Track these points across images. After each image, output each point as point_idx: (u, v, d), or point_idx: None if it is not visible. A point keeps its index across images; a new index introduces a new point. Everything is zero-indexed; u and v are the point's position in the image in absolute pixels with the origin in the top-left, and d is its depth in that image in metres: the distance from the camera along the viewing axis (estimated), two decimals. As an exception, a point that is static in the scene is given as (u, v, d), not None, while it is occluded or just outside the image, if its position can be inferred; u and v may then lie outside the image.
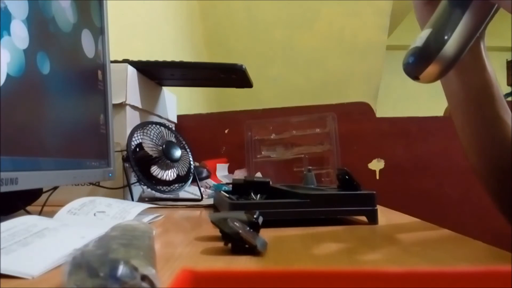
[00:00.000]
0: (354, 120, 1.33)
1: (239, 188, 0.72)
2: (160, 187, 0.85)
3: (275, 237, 0.48)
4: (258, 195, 0.70)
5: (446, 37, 0.34)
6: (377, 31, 2.72)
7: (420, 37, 0.35)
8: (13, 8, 0.49)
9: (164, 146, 0.86)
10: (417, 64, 0.34)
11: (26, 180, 0.49)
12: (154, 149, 0.85)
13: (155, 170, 0.84)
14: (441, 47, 0.33)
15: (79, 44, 0.67)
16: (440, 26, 0.35)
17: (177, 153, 0.87)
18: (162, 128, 0.90)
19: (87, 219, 0.53)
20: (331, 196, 0.60)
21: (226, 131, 1.38)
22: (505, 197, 0.55)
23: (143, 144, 0.84)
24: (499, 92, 0.52)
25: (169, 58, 1.05)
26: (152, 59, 0.99)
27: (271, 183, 0.72)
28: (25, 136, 0.51)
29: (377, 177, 1.31)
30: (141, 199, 0.91)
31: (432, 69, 0.34)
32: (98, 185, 0.80)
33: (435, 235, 0.51)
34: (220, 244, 0.41)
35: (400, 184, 1.29)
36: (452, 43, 0.34)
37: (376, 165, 1.31)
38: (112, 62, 0.80)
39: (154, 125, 0.89)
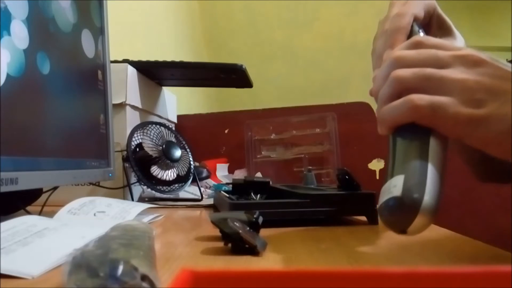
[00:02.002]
0: (354, 120, 1.33)
1: (239, 188, 0.72)
2: (160, 187, 0.85)
3: (275, 237, 0.48)
4: (258, 195, 0.70)
5: (423, 183, 0.30)
6: (377, 31, 2.71)
7: (394, 185, 0.31)
8: (13, 8, 0.49)
9: (164, 146, 0.86)
10: (401, 218, 0.30)
11: (26, 180, 0.49)
12: (154, 149, 0.85)
13: (155, 170, 0.84)
14: (422, 196, 0.30)
15: (79, 44, 0.67)
16: (412, 170, 0.31)
17: (177, 153, 0.87)
18: (162, 128, 0.90)
19: (87, 219, 0.53)
20: (331, 196, 0.60)
21: (226, 131, 1.38)
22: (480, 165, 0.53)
23: (143, 144, 0.84)
24: None
25: (169, 58, 1.05)
26: (152, 59, 0.99)
27: (271, 183, 0.72)
28: (25, 136, 0.51)
29: (377, 177, 1.31)
30: (141, 199, 0.90)
31: (419, 221, 0.30)
32: (98, 185, 0.80)
33: (435, 235, 0.51)
34: (220, 244, 0.41)
35: (400, 184, 1.29)
36: (430, 186, 0.30)
37: (376, 165, 1.31)
38: (112, 62, 0.80)
39: (154, 125, 0.89)
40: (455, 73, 0.33)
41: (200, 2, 2.73)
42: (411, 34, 0.41)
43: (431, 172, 0.31)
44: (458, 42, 0.46)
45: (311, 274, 0.18)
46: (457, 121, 0.32)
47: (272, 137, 1.27)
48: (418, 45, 0.37)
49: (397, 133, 0.35)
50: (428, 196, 0.30)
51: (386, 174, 0.34)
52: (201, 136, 1.33)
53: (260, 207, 0.54)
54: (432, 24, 0.46)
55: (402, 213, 0.30)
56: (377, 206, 0.32)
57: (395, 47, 0.39)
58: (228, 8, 2.81)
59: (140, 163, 0.83)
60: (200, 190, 0.89)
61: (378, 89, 0.37)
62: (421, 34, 0.42)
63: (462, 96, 0.33)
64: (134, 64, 0.93)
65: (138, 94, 0.95)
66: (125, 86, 0.88)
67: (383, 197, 0.31)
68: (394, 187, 0.31)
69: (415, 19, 0.42)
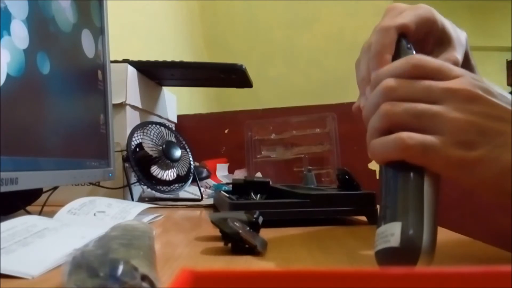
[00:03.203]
0: (354, 120, 1.33)
1: (239, 188, 0.72)
2: (160, 187, 0.85)
3: (275, 237, 0.48)
4: (258, 195, 0.70)
5: (421, 230, 0.30)
6: (377, 31, 2.71)
7: (392, 233, 0.30)
8: (13, 8, 0.49)
9: (164, 146, 0.86)
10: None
11: (26, 180, 0.49)
12: (154, 149, 0.85)
13: (155, 170, 0.84)
14: (421, 244, 0.30)
15: (79, 44, 0.67)
16: (409, 217, 0.31)
17: (177, 153, 0.87)
18: (162, 128, 0.90)
19: (87, 219, 0.53)
20: (331, 196, 0.60)
21: (226, 131, 1.38)
22: None
23: (143, 144, 0.84)
24: None
25: (169, 58, 1.05)
26: (152, 59, 0.99)
27: (271, 183, 0.72)
28: (25, 136, 0.51)
29: (377, 177, 1.30)
30: (141, 199, 0.90)
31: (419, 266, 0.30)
32: (98, 185, 0.80)
33: (435, 235, 0.51)
34: (220, 244, 0.41)
35: (400, 184, 1.29)
36: (427, 230, 0.30)
37: (376, 165, 1.31)
38: (112, 62, 0.80)
39: (154, 125, 0.89)
40: (447, 111, 0.32)
41: (200, 2, 2.73)
42: (398, 50, 0.39)
43: (427, 214, 0.31)
44: (458, 52, 0.44)
45: (311, 274, 0.18)
46: (448, 163, 0.32)
47: (272, 137, 1.27)
48: (416, 68, 0.35)
49: (390, 166, 0.35)
50: (426, 241, 0.30)
51: (380, 213, 0.33)
52: (201, 136, 1.33)
53: (260, 207, 0.54)
54: (429, 39, 0.44)
55: (402, 263, 0.30)
56: (374, 250, 0.32)
57: (381, 67, 0.38)
58: (228, 8, 2.81)
59: (140, 163, 0.83)
60: (200, 190, 0.89)
61: (367, 116, 0.36)
62: (407, 45, 0.40)
63: (453, 136, 0.32)
64: (134, 64, 0.93)
65: (138, 94, 0.95)
66: (125, 86, 0.88)
67: (380, 244, 0.31)
68: (392, 235, 0.31)
69: (405, 32, 0.40)
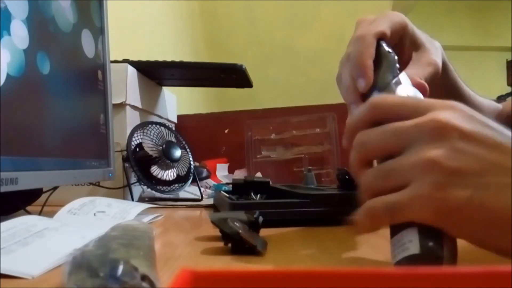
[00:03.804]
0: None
1: (239, 188, 0.72)
2: (160, 187, 0.85)
3: (275, 237, 0.48)
4: (258, 195, 0.70)
5: (438, 232, 0.29)
6: (377, 31, 2.71)
7: (410, 240, 0.29)
8: (13, 8, 0.49)
9: (164, 146, 0.86)
10: None
11: (26, 180, 0.49)
12: (154, 149, 0.85)
13: (155, 170, 0.84)
14: (442, 247, 0.29)
15: (79, 44, 0.67)
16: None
17: (177, 153, 0.87)
18: (162, 128, 0.90)
19: (87, 219, 0.53)
20: (331, 196, 0.60)
21: (226, 131, 1.38)
22: None
23: (143, 144, 0.84)
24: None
25: (169, 58, 1.05)
26: (152, 59, 0.99)
27: (271, 183, 0.72)
28: (25, 136, 0.51)
29: (377, 177, 1.30)
30: (141, 199, 0.91)
31: None
32: (98, 185, 0.80)
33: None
34: (220, 244, 0.41)
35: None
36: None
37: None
38: (112, 62, 0.80)
39: (154, 125, 0.89)
40: (409, 159, 0.29)
41: (200, 2, 2.73)
42: (379, 54, 0.39)
43: None
44: (434, 55, 0.44)
45: (311, 274, 0.18)
46: (417, 218, 0.29)
47: (272, 137, 1.27)
48: (376, 108, 0.33)
49: None
50: (446, 240, 0.29)
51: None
52: (201, 136, 1.32)
53: (260, 207, 0.54)
54: (404, 42, 0.44)
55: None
56: (394, 261, 0.30)
57: (365, 74, 0.37)
58: (228, 8, 2.81)
59: (140, 163, 0.83)
60: (200, 190, 0.89)
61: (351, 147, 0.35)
62: (387, 49, 0.39)
63: (420, 185, 0.28)
64: (134, 64, 0.93)
65: (138, 94, 0.95)
66: (125, 86, 0.88)
67: (399, 253, 0.30)
68: (410, 242, 0.29)
69: (382, 37, 0.40)
